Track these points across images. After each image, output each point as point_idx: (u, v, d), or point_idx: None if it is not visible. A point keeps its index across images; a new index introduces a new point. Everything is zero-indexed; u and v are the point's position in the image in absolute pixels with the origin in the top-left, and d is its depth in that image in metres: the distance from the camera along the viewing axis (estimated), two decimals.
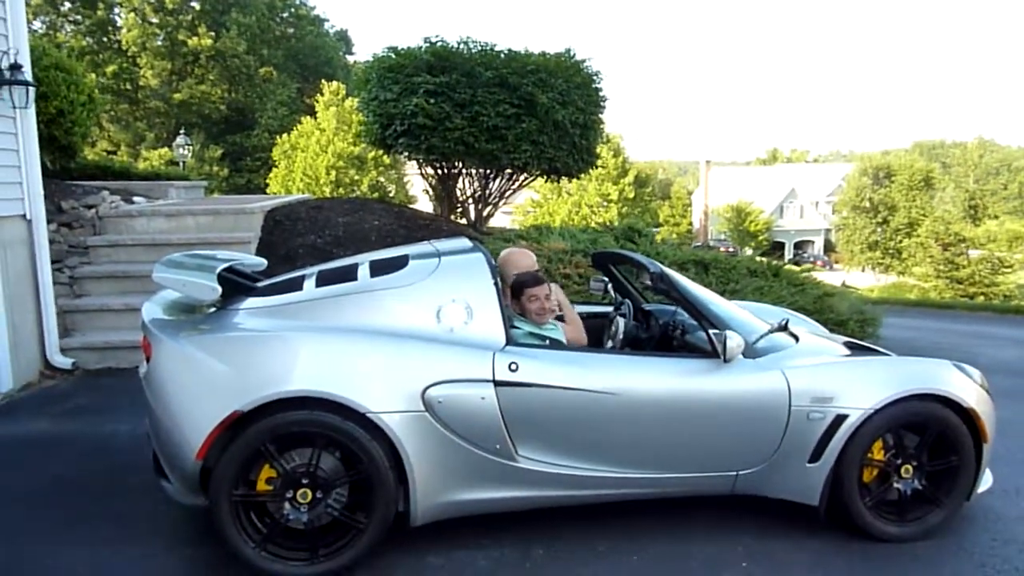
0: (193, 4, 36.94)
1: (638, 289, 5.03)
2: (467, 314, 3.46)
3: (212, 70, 36.50)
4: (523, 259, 4.34)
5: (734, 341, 3.49)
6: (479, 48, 8.35)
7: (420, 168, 9.84)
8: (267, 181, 34.11)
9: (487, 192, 9.62)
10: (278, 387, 3.15)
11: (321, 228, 8.12)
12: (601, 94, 9.08)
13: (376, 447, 3.23)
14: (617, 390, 3.47)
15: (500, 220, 39.85)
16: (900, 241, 44.40)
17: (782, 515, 3.83)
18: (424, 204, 25.36)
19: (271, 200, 8.98)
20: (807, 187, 62.74)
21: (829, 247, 60.95)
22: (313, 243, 7.78)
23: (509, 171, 9.16)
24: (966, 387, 3.73)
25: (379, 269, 3.69)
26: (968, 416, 3.69)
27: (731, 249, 50.54)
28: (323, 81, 35.84)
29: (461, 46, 8.36)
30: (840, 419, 3.57)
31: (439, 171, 9.59)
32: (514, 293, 3.88)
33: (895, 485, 3.71)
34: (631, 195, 40.59)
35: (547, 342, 3.76)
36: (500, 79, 8.06)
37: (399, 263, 3.70)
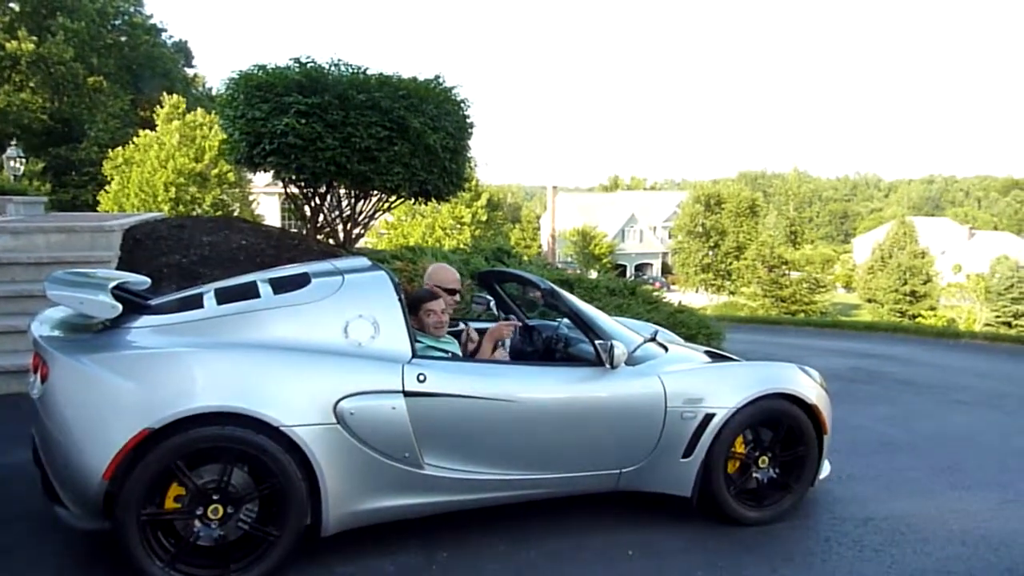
0: (12, 5, 33.97)
1: (520, 306, 5.34)
2: (374, 329, 3.61)
3: (33, 77, 33.65)
4: (446, 273, 4.58)
5: (619, 350, 3.86)
6: (350, 71, 8.42)
7: (285, 187, 9.71)
8: (97, 198, 31.74)
9: (356, 213, 9.66)
10: (190, 403, 3.16)
11: (185, 247, 7.86)
12: (469, 120, 9.41)
13: (289, 460, 3.30)
14: (516, 398, 3.74)
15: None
16: (730, 263, 48.06)
17: (658, 507, 4.24)
18: (272, 223, 24.67)
19: (129, 218, 8.56)
20: (646, 213, 66.59)
21: (666, 269, 64.87)
22: (178, 263, 7.53)
23: (379, 192, 9.24)
24: (809, 386, 4.31)
25: (281, 287, 3.76)
26: (812, 411, 4.26)
27: (578, 271, 52.52)
28: (164, 94, 33.98)
29: (332, 68, 8.40)
30: (709, 418, 4.02)
31: (306, 191, 9.52)
32: (412, 309, 4.06)
33: (754, 475, 4.21)
34: (483, 217, 41.29)
35: (448, 355, 3.97)
36: (372, 102, 8.17)
37: (301, 281, 3.78)
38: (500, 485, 3.78)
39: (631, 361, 4.04)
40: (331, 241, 9.69)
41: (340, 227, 9.79)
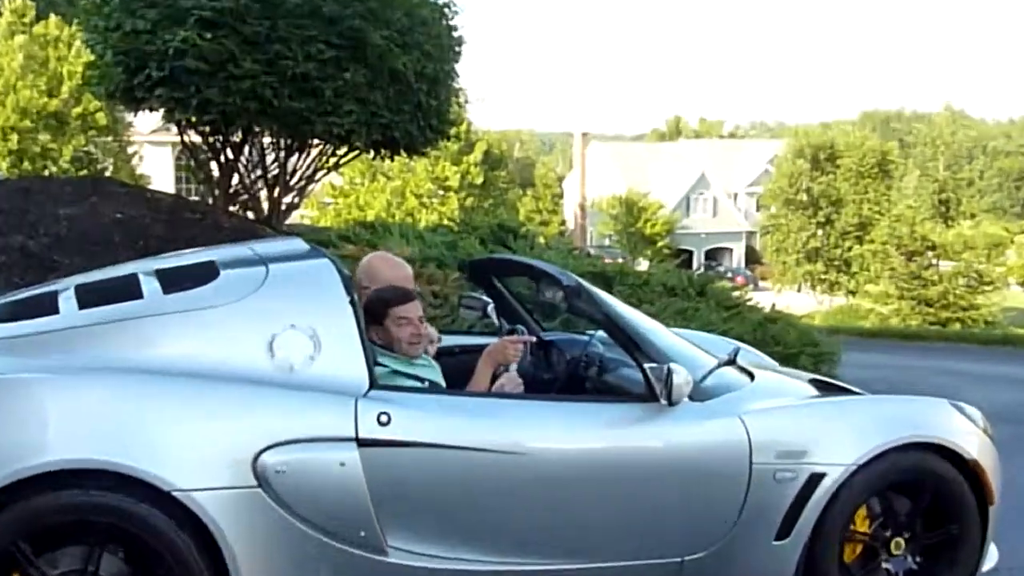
0: None
1: (533, 312, 5.35)
2: (313, 345, 3.61)
3: None
4: (391, 270, 4.55)
5: (681, 377, 3.86)
6: None
7: (182, 134, 9.77)
8: None
9: (287, 172, 9.73)
10: (36, 457, 3.17)
11: (33, 224, 7.91)
12: (456, 35, 9.46)
13: (184, 539, 3.31)
14: (525, 449, 3.74)
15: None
16: (849, 248, 47.85)
17: None
18: (165, 187, 24.76)
19: None
20: (723, 172, 66.58)
21: (753, 257, 64.86)
22: (21, 246, 7.58)
23: (322, 142, 9.29)
24: (967, 433, 4.30)
25: (173, 282, 3.78)
26: (971, 471, 4.25)
27: (620, 259, 52.61)
28: None
29: None
30: (815, 479, 4.01)
31: (213, 140, 9.57)
32: (372, 316, 4.07)
33: (884, 565, 4.21)
34: (479, 179, 41.49)
35: (425, 383, 3.98)
36: (312, 7, 8.23)
37: (204, 273, 3.80)
38: None
39: (699, 395, 4.04)
40: (250, 214, 9.74)
41: (264, 193, 9.84)
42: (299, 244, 4.26)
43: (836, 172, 50.50)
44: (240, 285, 3.72)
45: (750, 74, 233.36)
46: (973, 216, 46.93)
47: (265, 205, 9.77)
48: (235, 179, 10.05)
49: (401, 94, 8.81)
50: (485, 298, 5.23)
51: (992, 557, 4.51)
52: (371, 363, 3.70)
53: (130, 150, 36.54)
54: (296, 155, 9.65)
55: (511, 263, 5.09)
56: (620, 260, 45.59)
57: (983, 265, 29.42)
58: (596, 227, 62.04)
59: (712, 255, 64.68)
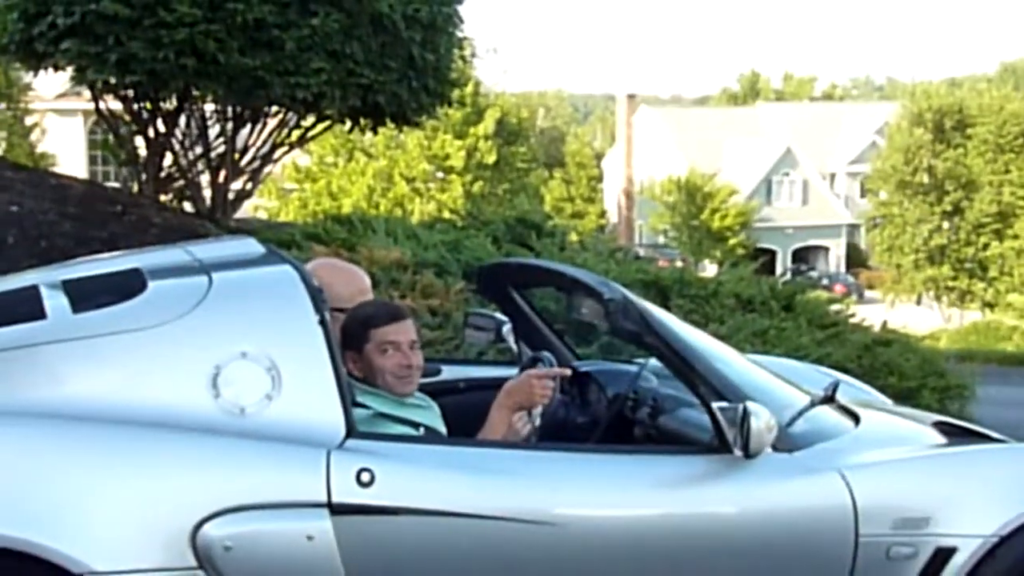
0: None
1: (564, 334, 5.33)
2: (271, 380, 3.62)
3: None
4: (340, 280, 4.55)
5: (761, 421, 3.84)
6: None
7: (96, 101, 9.81)
8: None
9: (236, 150, 9.77)
10: None
11: None
12: None
13: None
14: (551, 516, 3.72)
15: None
16: (985, 246, 47.63)
17: None
18: (76, 170, 24.81)
19: None
20: (815, 146, 66.37)
21: (857, 259, 64.67)
22: None
23: (283, 109, 9.33)
24: None
25: (85, 297, 3.78)
26: None
27: (679, 262, 52.51)
28: None
29: None
30: (943, 555, 3.98)
31: (138, 108, 9.62)
32: (349, 340, 4.06)
33: None
34: (490, 157, 41.45)
35: (420, 429, 3.98)
36: None
37: (126, 286, 3.81)
38: None
39: (786, 443, 4.03)
40: (188, 206, 9.77)
41: (206, 178, 9.86)
42: (252, 246, 4.25)
43: (967, 145, 50.30)
44: (174, 301, 3.72)
45: (849, 17, 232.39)
46: None
47: (207, 194, 9.76)
48: (168, 159, 10.06)
49: (387, 46, 8.83)
50: (499, 316, 5.22)
51: None
52: (348, 403, 3.70)
53: (28, 121, 36.70)
54: (248, 127, 9.62)
55: (534, 269, 5.07)
56: (679, 263, 45.76)
57: None
58: (648, 220, 61.91)
59: (802, 256, 64.48)
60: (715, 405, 3.92)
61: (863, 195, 60.77)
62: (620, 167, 65.05)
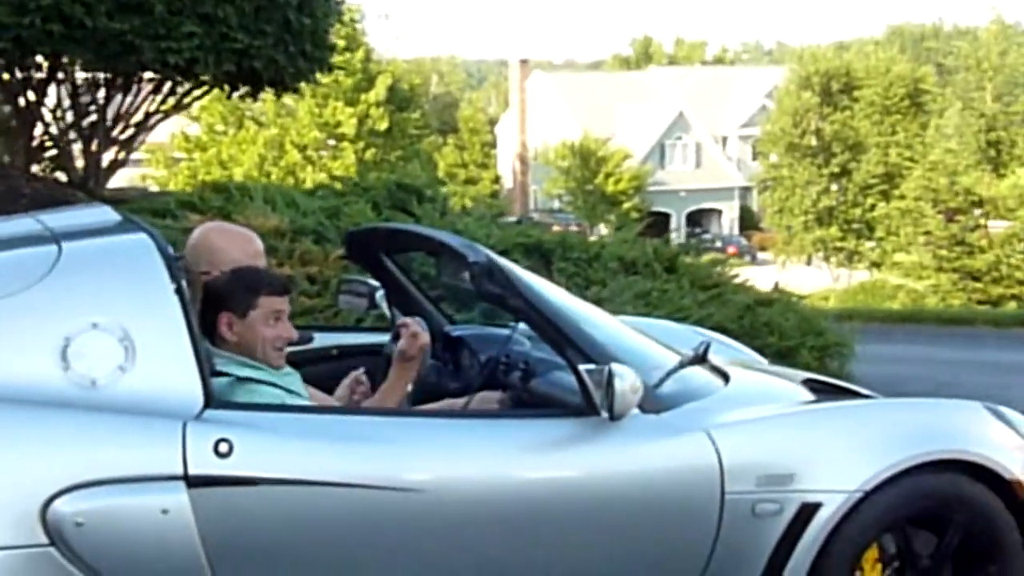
0: None
1: (437, 299, 5.28)
2: (124, 351, 3.52)
3: None
4: (235, 244, 4.44)
5: (626, 382, 3.81)
6: None
7: None
8: None
9: (107, 117, 9.60)
10: None
11: None
12: None
13: None
14: (422, 482, 3.69)
15: (115, 176, 38.85)
16: (872, 207, 48.23)
17: None
18: None
19: None
20: (707, 110, 66.95)
21: (750, 221, 65.41)
22: None
23: (155, 77, 9.17)
24: (1010, 446, 4.30)
25: None
26: (1013, 495, 4.27)
27: (574, 226, 52.76)
28: None
29: None
30: (808, 511, 3.99)
31: (8, 77, 9.41)
32: (233, 304, 3.97)
33: None
34: (382, 124, 41.24)
35: (279, 392, 3.91)
36: None
37: None
38: None
39: (654, 404, 4.01)
40: (60, 175, 9.57)
41: (78, 148, 9.69)
42: (107, 214, 4.14)
43: (854, 108, 50.91)
44: (20, 272, 3.60)
45: None
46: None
47: (81, 164, 9.58)
48: (39, 129, 9.86)
49: (262, 10, 8.72)
50: (372, 282, 5.17)
51: None
52: (207, 373, 3.62)
53: None
54: (121, 95, 9.45)
55: (404, 234, 5.01)
56: (573, 228, 45.83)
57: None
58: (542, 185, 61.99)
59: (696, 219, 65.14)
60: (582, 368, 3.89)
61: (755, 158, 61.36)
62: (514, 133, 65.10)
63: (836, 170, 50.14)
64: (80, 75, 9.50)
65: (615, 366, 3.83)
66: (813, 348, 8.70)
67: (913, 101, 49.80)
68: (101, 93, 9.62)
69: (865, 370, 10.59)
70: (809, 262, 52.82)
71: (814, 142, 50.65)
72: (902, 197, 42.64)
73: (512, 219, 50.84)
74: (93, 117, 9.62)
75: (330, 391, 4.65)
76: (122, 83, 9.50)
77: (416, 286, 5.25)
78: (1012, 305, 25.42)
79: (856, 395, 4.99)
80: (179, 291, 3.67)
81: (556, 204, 61.09)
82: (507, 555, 3.83)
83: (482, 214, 9.09)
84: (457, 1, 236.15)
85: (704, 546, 3.99)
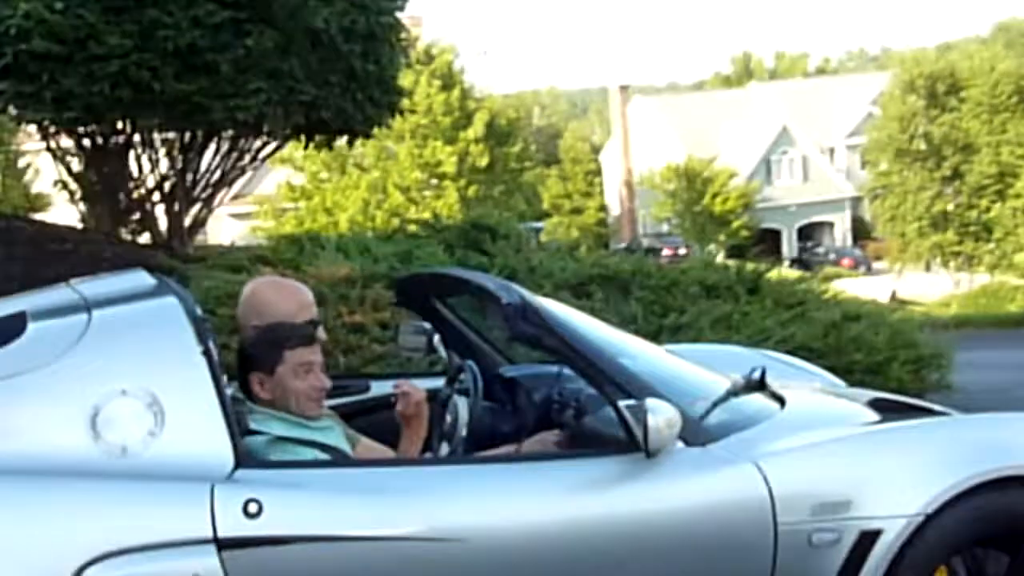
0: None
1: (492, 341, 5.24)
2: (153, 417, 3.53)
3: None
4: (285, 299, 4.46)
5: (661, 418, 3.73)
6: None
7: (47, 138, 9.79)
8: None
9: (188, 176, 9.72)
10: None
11: None
12: None
13: None
14: (459, 532, 3.63)
15: (227, 229, 39.42)
16: (987, 208, 47.34)
17: None
18: (65, 210, 24.75)
19: None
20: (812, 122, 66.12)
21: (863, 231, 64.39)
22: None
23: (230, 133, 9.27)
24: None
25: None
26: None
27: (682, 250, 52.59)
28: None
29: None
30: (868, 538, 3.87)
31: (88, 140, 9.58)
32: (260, 361, 3.97)
33: None
34: (483, 160, 41.39)
35: (315, 452, 3.88)
36: None
37: (6, 330, 3.73)
38: None
39: (699, 437, 3.93)
40: (146, 237, 9.72)
41: (161, 207, 9.83)
42: (142, 279, 4.15)
43: (962, 108, 50.02)
44: (52, 342, 3.63)
45: None
46: None
47: (165, 223, 9.73)
48: (129, 191, 10.05)
49: (326, 61, 8.79)
50: (425, 325, 5.16)
51: None
52: (236, 433, 3.62)
53: (21, 162, 36.77)
54: (195, 154, 9.59)
55: (446, 278, 4.99)
56: (684, 251, 45.57)
57: None
58: (650, 209, 61.87)
59: (808, 233, 64.26)
60: (621, 404, 3.83)
61: (863, 167, 60.33)
62: (618, 159, 64.90)
63: (948, 173, 49.13)
64: (157, 136, 9.66)
65: (650, 401, 3.76)
66: (906, 362, 8.50)
67: (1022, 98, 48.73)
68: (177, 154, 9.74)
69: (970, 378, 10.34)
70: (928, 268, 51.87)
71: (923, 146, 49.71)
72: (1018, 196, 41.80)
73: (622, 245, 50.96)
74: (173, 179, 9.74)
75: (393, 437, 4.65)
76: (198, 143, 9.61)
77: (471, 327, 5.22)
78: None
79: (928, 413, 4.84)
80: (206, 352, 3.68)
81: (665, 228, 60.85)
82: None
83: (557, 247, 9.05)
84: (556, 33, 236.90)
85: None
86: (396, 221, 37.94)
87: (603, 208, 67.45)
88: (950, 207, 49.75)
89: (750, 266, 9.72)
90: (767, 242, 60.64)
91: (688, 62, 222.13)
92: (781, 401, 4.49)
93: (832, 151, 67.41)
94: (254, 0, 8.41)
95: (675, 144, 61.58)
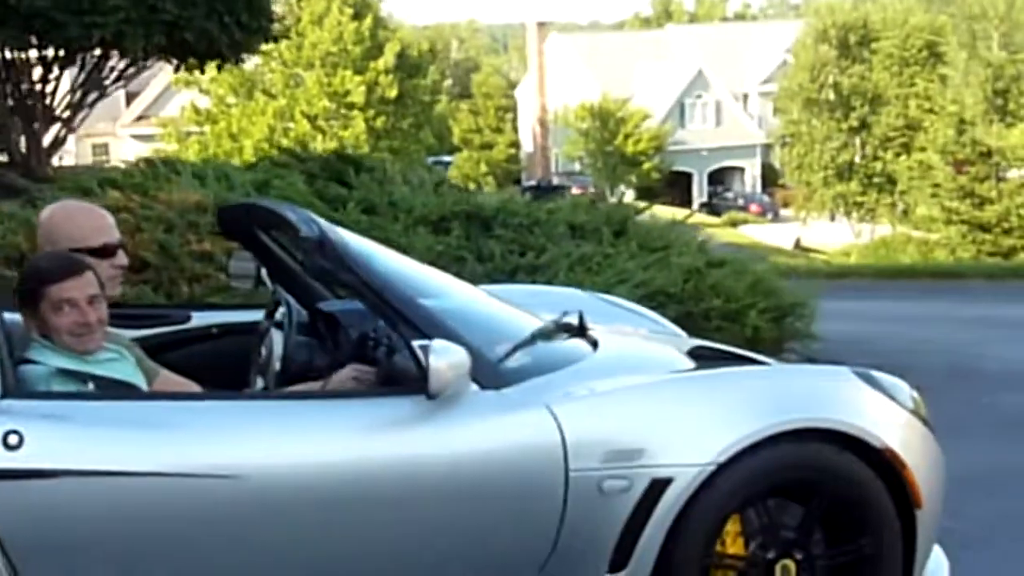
0: None
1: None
2: None
3: None
4: (78, 224, 4.34)
5: (444, 360, 3.65)
6: None
7: None
8: None
9: (45, 95, 9.52)
10: None
11: None
12: None
13: None
14: (240, 469, 3.55)
15: (129, 150, 38.86)
16: (892, 160, 47.77)
17: None
18: None
19: None
20: (727, 67, 66.22)
21: (772, 177, 64.84)
22: None
23: (87, 51, 9.07)
24: (881, 413, 4.13)
25: None
26: (885, 464, 4.10)
27: (590, 189, 52.73)
28: None
29: None
30: (658, 486, 3.84)
31: None
32: (26, 299, 3.85)
33: None
34: (392, 92, 41.03)
35: (89, 384, 3.78)
36: None
37: None
38: None
39: (494, 380, 3.86)
40: (2, 157, 9.51)
41: (18, 125, 9.62)
42: None
43: (873, 60, 50.36)
44: None
45: None
46: None
47: (24, 143, 9.50)
48: None
49: None
50: (253, 259, 5.06)
51: (939, 570, 4.41)
52: (6, 363, 3.51)
53: None
54: (53, 71, 9.38)
55: (258, 209, 4.87)
56: (592, 190, 45.58)
57: None
58: (563, 147, 61.83)
59: (718, 178, 64.62)
60: (415, 344, 3.76)
61: (775, 114, 60.70)
62: (534, 96, 64.87)
63: (855, 124, 49.64)
64: (12, 54, 9.43)
65: (438, 341, 3.69)
66: (765, 310, 8.51)
67: (931, 52, 49.07)
68: (41, 72, 9.51)
69: (837, 328, 10.43)
70: (833, 218, 52.43)
71: (832, 96, 50.14)
72: (922, 149, 42.12)
73: (532, 182, 50.97)
74: (31, 99, 9.52)
75: (211, 370, 4.57)
76: (61, 61, 9.40)
77: (296, 260, 5.13)
78: (1023, 256, 25.17)
79: (749, 362, 4.82)
80: None
81: (576, 167, 60.87)
82: (341, 545, 3.72)
83: (422, 181, 8.89)
84: None
85: (550, 526, 3.83)
86: (299, 147, 37.72)
87: (515, 144, 67.36)
88: (856, 158, 50.22)
89: (620, 208, 9.69)
90: (678, 185, 61.05)
91: (604, 2, 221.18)
92: (595, 345, 4.44)
93: (746, 97, 67.67)
94: None
95: (591, 83, 61.36)
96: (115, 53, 9.67)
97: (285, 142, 38.77)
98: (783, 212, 57.84)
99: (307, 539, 3.68)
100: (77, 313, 3.86)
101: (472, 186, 55.80)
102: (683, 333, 5.79)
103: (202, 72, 10.22)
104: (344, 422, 3.78)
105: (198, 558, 3.58)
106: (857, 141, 49.92)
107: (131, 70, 9.94)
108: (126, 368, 4.01)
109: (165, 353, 4.80)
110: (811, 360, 9.14)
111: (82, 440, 3.48)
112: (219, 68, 9.65)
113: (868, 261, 30.68)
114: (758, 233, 50.46)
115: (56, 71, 9.64)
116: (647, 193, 56.24)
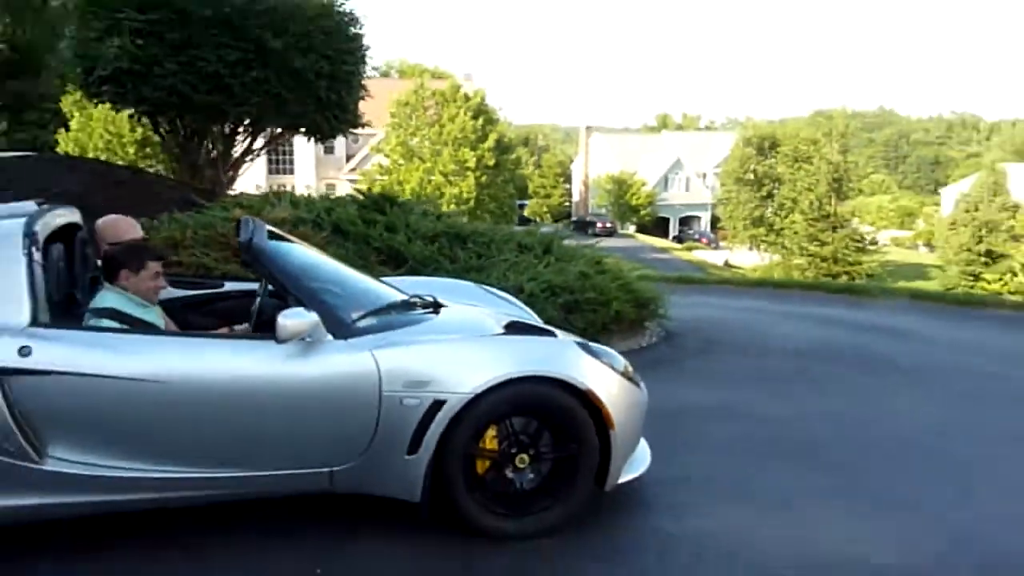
0: None
1: None
2: None
3: None
4: (125, 229, 4.37)
5: (291, 320, 3.52)
6: None
7: (136, 121, 9.56)
8: (56, 138, 31.40)
9: (231, 152, 9.43)
10: None
11: None
12: (361, 42, 9.04)
13: None
14: (166, 377, 3.46)
15: (344, 188, 39.07)
16: (785, 217, 46.78)
17: (381, 513, 3.92)
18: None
19: None
20: (694, 157, 65.06)
21: (717, 223, 63.64)
22: None
23: (238, 125, 8.98)
24: (588, 369, 3.90)
25: None
26: (589, 401, 3.86)
27: (608, 224, 52.34)
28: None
29: None
30: (437, 405, 3.66)
31: (176, 128, 9.31)
32: (133, 264, 3.86)
33: (509, 475, 3.85)
34: (491, 162, 40.80)
35: (121, 323, 3.71)
36: (222, 19, 7.86)
37: None
38: (159, 484, 3.52)
39: (344, 333, 3.72)
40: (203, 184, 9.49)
41: (219, 169, 9.58)
42: (25, 208, 3.93)
43: (776, 157, 49.33)
44: None
45: (726, 77, 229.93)
46: (860, 191, 45.34)
47: (226, 180, 9.50)
48: (203, 157, 9.79)
49: (302, 89, 8.44)
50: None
51: (640, 467, 4.21)
52: (36, 305, 3.43)
53: None
54: (234, 139, 9.32)
55: (242, 220, 4.75)
56: (608, 225, 45.25)
57: (871, 228, 28.44)
58: (596, 199, 61.67)
59: (685, 222, 63.64)
60: (288, 310, 3.62)
61: (721, 186, 59.70)
62: (581, 168, 64.54)
63: (764, 195, 48.64)
64: (216, 128, 9.37)
65: (292, 309, 3.56)
66: (626, 301, 8.16)
67: (809, 156, 48.00)
68: (228, 138, 9.46)
69: (697, 314, 10.01)
70: (751, 248, 51.43)
71: (752, 177, 49.14)
72: (802, 212, 41.09)
73: (576, 219, 50.27)
74: (214, 155, 9.47)
75: (229, 316, 4.51)
76: (243, 134, 9.34)
77: None
78: (844, 278, 24.42)
79: (544, 334, 4.51)
80: (28, 253, 3.52)
81: (603, 211, 60.51)
82: (232, 427, 3.59)
83: (427, 212, 8.66)
84: (555, 84, 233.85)
85: (369, 427, 3.68)
86: (438, 193, 37.60)
87: (567, 195, 67.18)
88: (765, 214, 49.17)
89: (550, 233, 9.30)
90: (661, 225, 60.41)
91: (629, 114, 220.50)
92: (437, 314, 4.25)
93: (704, 175, 66.40)
94: (259, 49, 8.06)
95: (614, 163, 61.02)
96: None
97: (428, 188, 38.80)
98: (721, 244, 56.65)
99: (206, 422, 3.55)
100: (160, 280, 3.91)
101: (538, 219, 55.62)
102: (532, 313, 5.45)
103: (319, 140, 10.00)
104: (236, 352, 3.66)
105: (151, 427, 3.50)
106: (765, 205, 48.78)
107: (266, 142, 9.76)
108: (154, 315, 3.96)
109: (206, 305, 4.70)
110: (667, 335, 8.77)
111: (74, 354, 3.41)
112: (321, 141, 9.39)
113: (763, 276, 29.82)
114: (705, 255, 49.66)
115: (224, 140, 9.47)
116: (643, 228, 56.08)
